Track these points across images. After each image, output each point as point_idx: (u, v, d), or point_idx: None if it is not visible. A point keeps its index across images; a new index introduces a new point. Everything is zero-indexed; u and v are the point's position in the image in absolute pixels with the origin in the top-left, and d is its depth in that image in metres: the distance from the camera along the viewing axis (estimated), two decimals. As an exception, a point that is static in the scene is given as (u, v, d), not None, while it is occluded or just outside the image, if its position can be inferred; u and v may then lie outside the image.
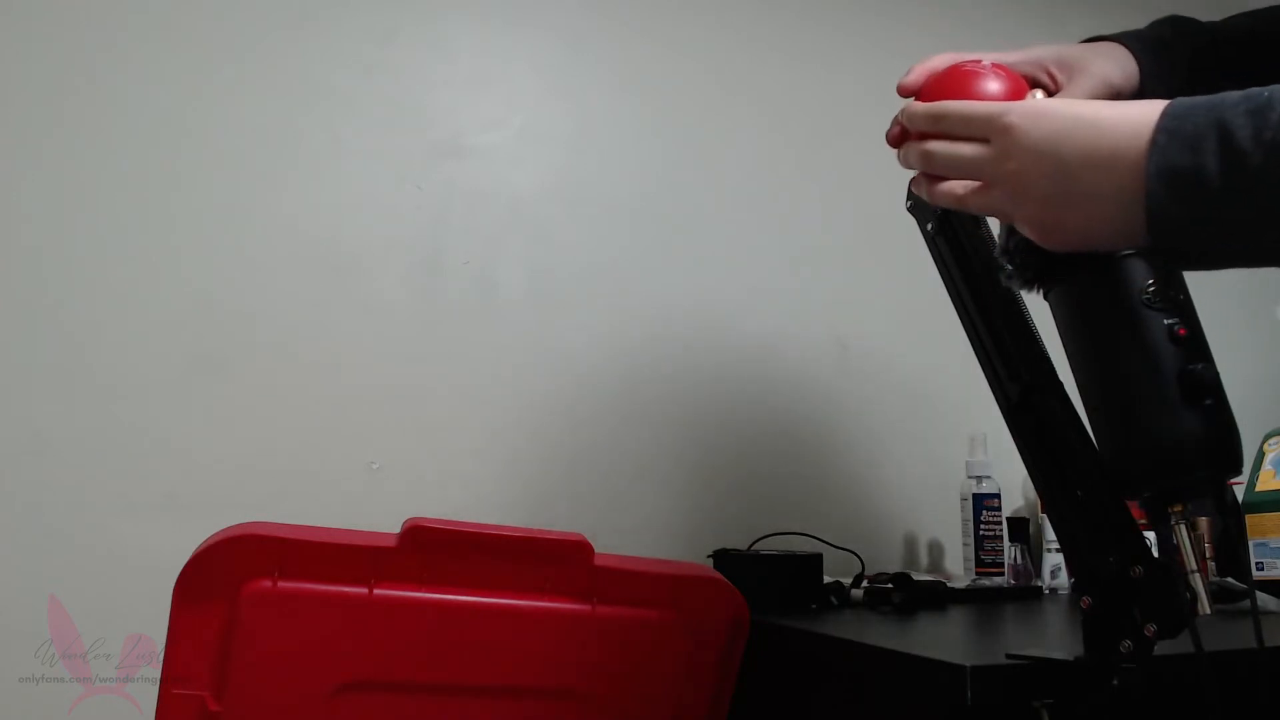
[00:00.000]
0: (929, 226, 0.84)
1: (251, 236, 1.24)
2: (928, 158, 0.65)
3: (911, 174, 0.80)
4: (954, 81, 0.68)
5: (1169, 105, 0.53)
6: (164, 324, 1.19)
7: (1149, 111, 0.53)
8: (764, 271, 1.50)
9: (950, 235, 0.82)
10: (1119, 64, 0.73)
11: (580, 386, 1.36)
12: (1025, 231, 0.61)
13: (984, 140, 0.60)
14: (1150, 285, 0.69)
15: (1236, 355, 1.12)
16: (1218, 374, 0.68)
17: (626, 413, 1.38)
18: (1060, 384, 0.76)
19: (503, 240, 1.36)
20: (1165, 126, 0.52)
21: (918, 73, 0.71)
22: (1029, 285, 0.76)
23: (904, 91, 0.71)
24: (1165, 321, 0.68)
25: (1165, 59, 0.74)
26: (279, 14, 1.29)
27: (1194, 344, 0.68)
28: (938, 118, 0.64)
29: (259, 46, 1.28)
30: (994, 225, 0.79)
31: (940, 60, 0.70)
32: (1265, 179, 0.49)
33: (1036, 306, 0.78)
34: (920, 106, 0.66)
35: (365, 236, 1.29)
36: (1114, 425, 0.71)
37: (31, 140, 1.17)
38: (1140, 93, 0.73)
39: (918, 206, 0.87)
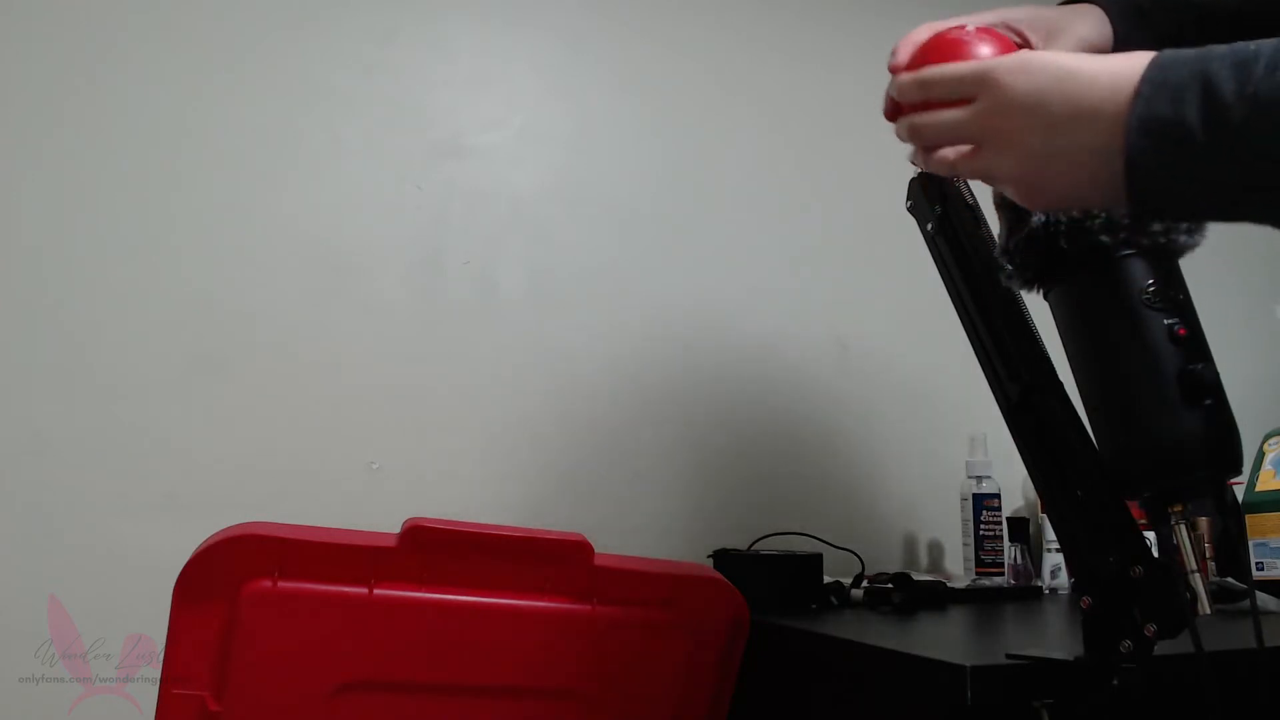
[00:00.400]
0: (929, 226, 0.84)
1: (251, 236, 1.24)
2: (915, 131, 0.64)
3: (913, 173, 0.79)
4: (943, 48, 0.66)
5: (1156, 56, 0.52)
6: (164, 324, 1.19)
7: (1136, 63, 0.52)
8: (764, 271, 1.50)
9: (950, 235, 0.82)
10: (1096, 26, 0.73)
11: (580, 386, 1.36)
12: (1010, 193, 0.59)
13: (971, 100, 0.59)
14: (1150, 285, 0.69)
15: (1236, 355, 1.11)
16: (1218, 374, 0.68)
17: (626, 413, 1.38)
18: (1060, 384, 0.76)
19: (503, 240, 1.36)
20: (1150, 78, 0.51)
21: (904, 49, 0.69)
22: (1029, 285, 0.76)
23: (896, 71, 0.69)
24: (1165, 321, 0.68)
25: (1140, 27, 0.73)
26: (279, 14, 1.29)
27: (1194, 344, 0.68)
28: (925, 84, 0.63)
29: (259, 46, 1.28)
30: (994, 225, 0.80)
31: (921, 32, 0.69)
32: (1246, 134, 0.48)
33: (1036, 306, 0.78)
34: (906, 76, 0.65)
35: (365, 236, 1.29)
36: (1114, 425, 0.71)
37: (31, 140, 1.17)
38: None
39: (918, 206, 0.86)
